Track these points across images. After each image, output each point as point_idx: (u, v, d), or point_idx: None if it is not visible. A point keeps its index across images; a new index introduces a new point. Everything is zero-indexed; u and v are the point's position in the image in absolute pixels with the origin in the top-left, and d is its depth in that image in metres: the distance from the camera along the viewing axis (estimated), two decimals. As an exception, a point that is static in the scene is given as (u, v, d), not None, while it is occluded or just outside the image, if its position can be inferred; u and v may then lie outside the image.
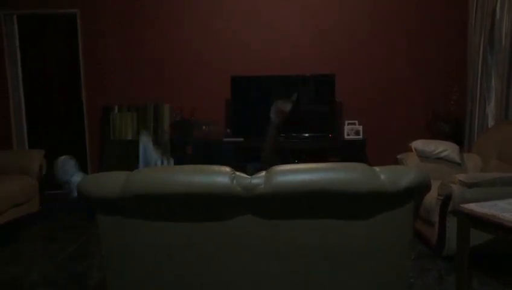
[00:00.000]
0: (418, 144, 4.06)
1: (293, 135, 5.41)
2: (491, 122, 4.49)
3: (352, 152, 5.29)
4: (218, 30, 5.59)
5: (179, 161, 5.52)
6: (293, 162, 5.35)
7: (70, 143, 5.88)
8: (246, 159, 5.41)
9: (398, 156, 4.78)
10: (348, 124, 5.43)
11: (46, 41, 5.80)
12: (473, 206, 2.71)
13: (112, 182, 1.82)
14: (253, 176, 1.83)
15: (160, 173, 1.84)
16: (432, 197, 3.37)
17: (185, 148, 5.43)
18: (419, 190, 1.81)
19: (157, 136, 5.62)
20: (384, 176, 1.78)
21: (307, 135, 5.42)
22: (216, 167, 1.85)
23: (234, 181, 1.78)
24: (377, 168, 1.83)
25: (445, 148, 3.95)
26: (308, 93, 5.54)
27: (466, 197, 3.10)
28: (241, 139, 5.29)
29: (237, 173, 1.83)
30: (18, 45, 5.72)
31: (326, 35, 5.54)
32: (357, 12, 5.50)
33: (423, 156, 4.01)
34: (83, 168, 5.76)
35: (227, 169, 1.84)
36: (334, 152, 5.34)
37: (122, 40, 5.64)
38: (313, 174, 1.80)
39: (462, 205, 2.77)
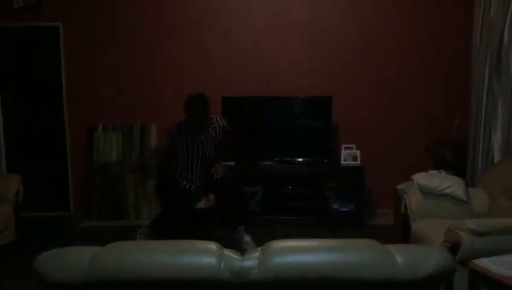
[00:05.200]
0: (420, 178, 3.79)
1: (286, 159, 5.14)
2: (496, 154, 4.24)
3: (349, 179, 5.03)
4: (209, 48, 5.31)
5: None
6: (287, 189, 5.10)
7: (51, 165, 5.53)
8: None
9: (398, 187, 4.53)
10: (345, 148, 5.16)
11: (27, 55, 5.46)
12: (487, 264, 2.45)
13: (74, 261, 1.53)
14: (245, 257, 1.55)
15: (136, 252, 1.54)
16: (436, 243, 3.10)
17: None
18: (442, 277, 1.53)
19: (142, 159, 5.32)
20: (400, 260, 1.51)
21: (301, 159, 5.15)
22: (201, 244, 1.57)
23: (222, 263, 1.50)
24: (392, 248, 1.56)
25: (450, 184, 3.69)
26: (302, 116, 5.27)
27: (476, 246, 2.84)
28: (232, 163, 5.00)
29: (226, 252, 1.55)
30: (-4, 58, 5.40)
31: (323, 55, 5.28)
32: (357, 32, 5.25)
33: (426, 192, 3.74)
34: (65, 192, 5.49)
35: (214, 247, 1.55)
36: (330, 179, 5.08)
37: (108, 56, 5.34)
38: (317, 255, 1.53)
39: (474, 262, 2.51)
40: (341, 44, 5.28)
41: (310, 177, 5.08)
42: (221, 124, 4.17)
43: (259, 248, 1.57)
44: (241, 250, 3.48)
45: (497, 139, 4.25)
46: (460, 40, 5.09)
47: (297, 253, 1.53)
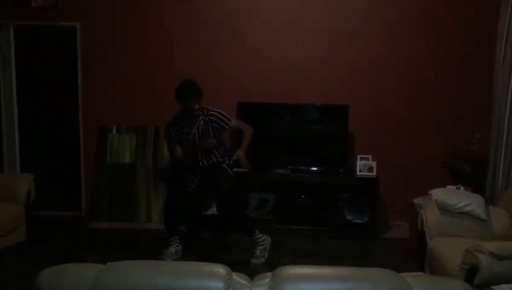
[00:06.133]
0: (439, 194, 3.68)
1: (300, 167, 5.05)
2: (518, 171, 4.11)
3: (363, 190, 4.92)
4: (226, 53, 5.25)
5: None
6: (299, 198, 5.01)
7: (64, 164, 5.52)
8: (247, 190, 5.09)
9: (415, 201, 4.41)
10: (361, 158, 5.05)
11: (43, 54, 5.45)
12: (507, 290, 2.35)
13: (76, 281, 1.47)
14: (255, 283, 1.47)
15: (140, 273, 1.48)
16: (454, 264, 2.99)
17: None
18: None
19: (155, 162, 5.28)
20: (418, 293, 1.43)
21: (315, 168, 5.05)
22: (208, 267, 1.50)
23: (230, 289, 1.43)
24: (410, 280, 1.47)
25: (469, 201, 3.57)
26: (318, 124, 5.19)
27: (495, 270, 2.72)
28: (245, 169, 4.92)
29: (234, 277, 1.47)
30: (13, 56, 5.38)
31: (340, 63, 5.17)
32: (375, 41, 5.13)
33: (444, 208, 3.62)
34: (77, 192, 5.46)
35: (222, 270, 1.48)
36: (344, 189, 4.98)
37: (124, 57, 5.31)
38: (331, 284, 1.45)
39: (494, 288, 2.41)
40: (358, 52, 5.16)
41: (323, 187, 4.98)
42: (208, 113, 4.08)
43: (270, 274, 1.49)
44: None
45: (519, 157, 4.11)
46: (482, 52, 4.95)
47: (309, 281, 1.45)
